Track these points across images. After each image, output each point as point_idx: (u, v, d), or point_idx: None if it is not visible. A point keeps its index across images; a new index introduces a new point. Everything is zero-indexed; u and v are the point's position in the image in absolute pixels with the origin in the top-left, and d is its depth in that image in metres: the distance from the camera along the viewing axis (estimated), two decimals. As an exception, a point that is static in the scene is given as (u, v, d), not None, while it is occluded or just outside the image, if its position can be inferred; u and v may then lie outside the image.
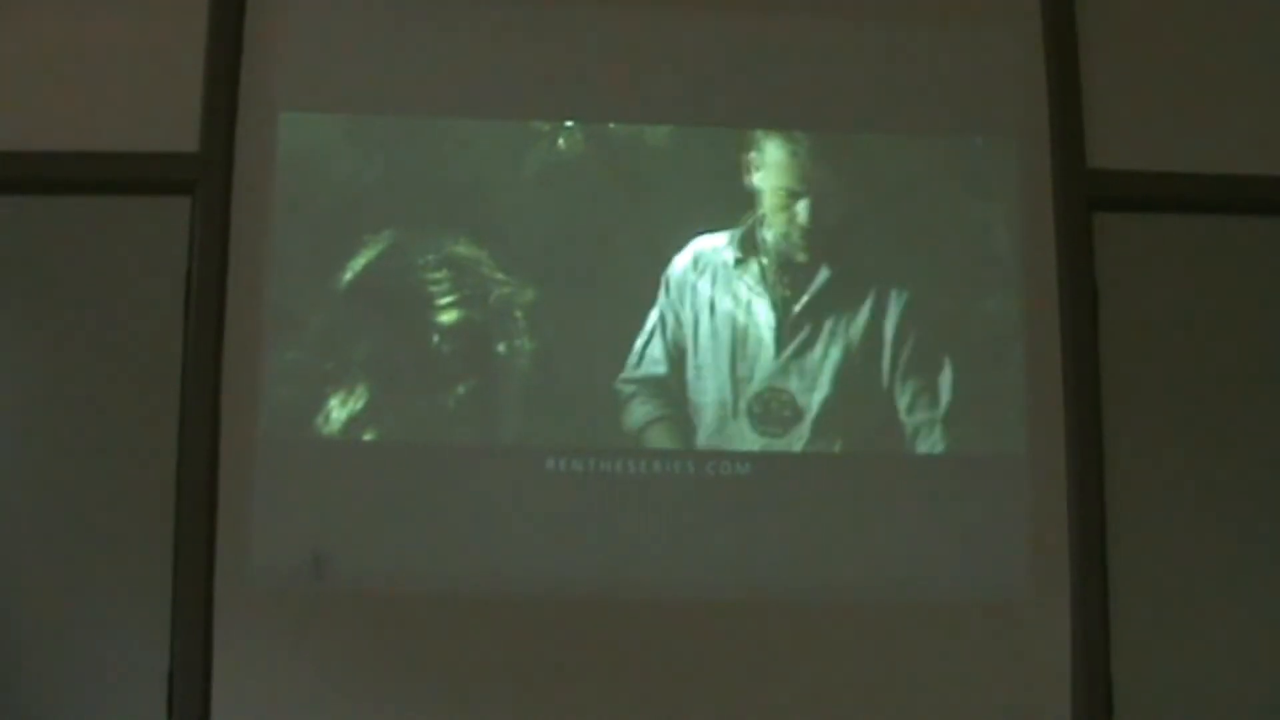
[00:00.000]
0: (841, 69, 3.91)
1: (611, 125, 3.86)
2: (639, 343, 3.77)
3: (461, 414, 3.71)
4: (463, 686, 3.61)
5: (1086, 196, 3.86)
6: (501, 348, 3.74)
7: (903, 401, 3.77)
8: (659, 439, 3.74)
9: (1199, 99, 3.95)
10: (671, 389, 3.77)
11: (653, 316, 3.78)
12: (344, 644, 3.61)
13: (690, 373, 3.78)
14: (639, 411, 3.75)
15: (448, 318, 3.75)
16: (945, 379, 3.79)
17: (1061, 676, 3.68)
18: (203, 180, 3.74)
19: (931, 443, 3.76)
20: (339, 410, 3.70)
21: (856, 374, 3.78)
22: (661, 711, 3.63)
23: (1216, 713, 3.70)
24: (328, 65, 3.83)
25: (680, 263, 3.81)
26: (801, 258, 3.82)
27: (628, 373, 3.77)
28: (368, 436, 3.69)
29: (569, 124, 3.84)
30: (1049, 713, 3.66)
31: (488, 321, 3.75)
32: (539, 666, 3.62)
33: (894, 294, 3.81)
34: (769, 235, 3.83)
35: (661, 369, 3.78)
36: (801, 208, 3.84)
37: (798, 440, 3.75)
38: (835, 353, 3.78)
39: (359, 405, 3.70)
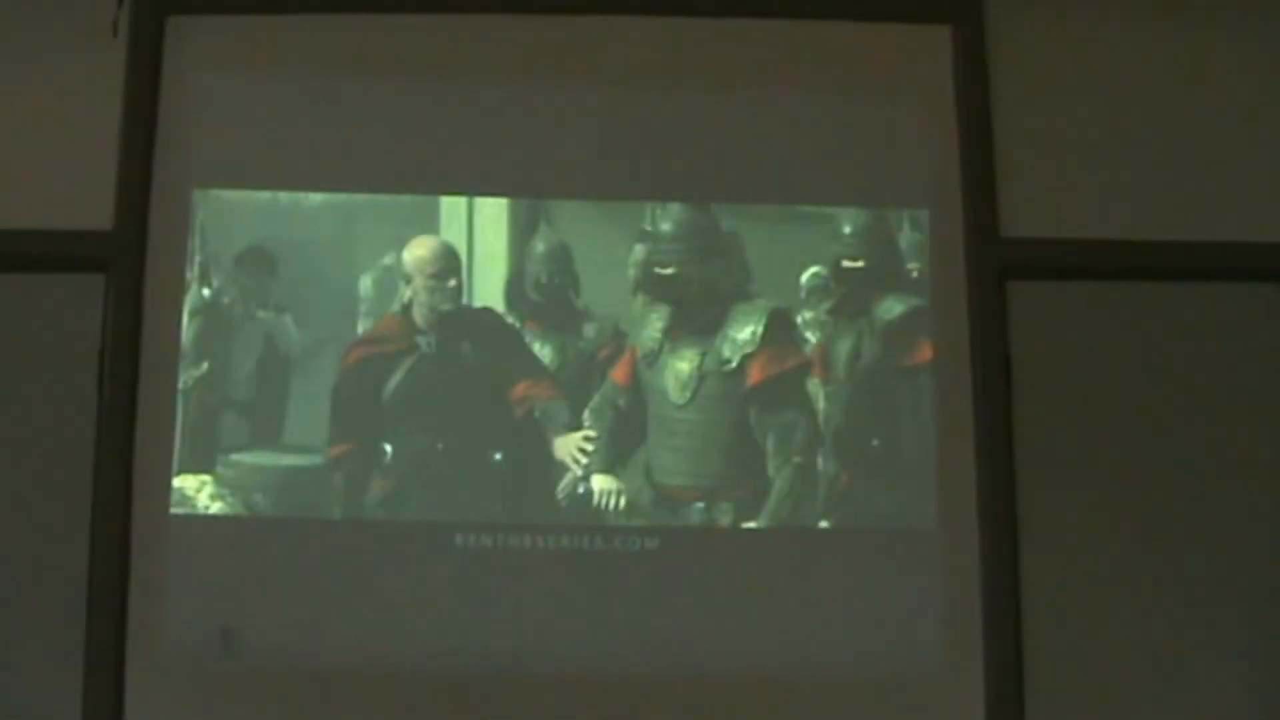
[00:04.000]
0: (756, 142, 3.92)
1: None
2: None
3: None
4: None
5: (1000, 265, 3.87)
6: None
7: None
8: None
9: (1110, 166, 3.95)
10: None
11: None
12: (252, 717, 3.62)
13: None
14: None
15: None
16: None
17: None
18: (117, 257, 3.76)
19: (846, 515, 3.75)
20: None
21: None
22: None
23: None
24: (242, 143, 3.85)
25: None
26: None
27: None
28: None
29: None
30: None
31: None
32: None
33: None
34: None
35: None
36: None
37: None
38: None
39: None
